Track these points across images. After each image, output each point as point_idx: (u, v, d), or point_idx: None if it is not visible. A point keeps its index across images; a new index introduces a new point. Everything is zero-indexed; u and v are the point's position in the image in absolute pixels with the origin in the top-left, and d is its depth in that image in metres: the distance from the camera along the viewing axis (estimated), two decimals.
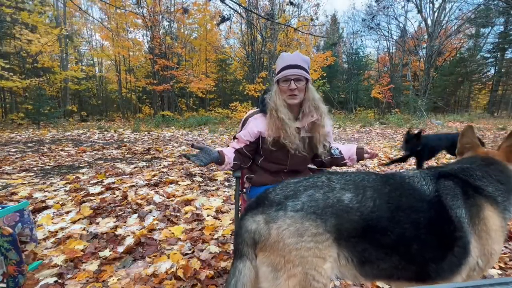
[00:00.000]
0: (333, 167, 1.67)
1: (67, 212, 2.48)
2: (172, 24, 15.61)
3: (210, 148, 1.37)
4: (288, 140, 1.39)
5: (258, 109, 1.55)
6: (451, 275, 0.88)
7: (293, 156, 1.46)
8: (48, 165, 4.49)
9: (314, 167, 1.78)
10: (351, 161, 1.55)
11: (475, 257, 0.88)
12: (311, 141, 1.47)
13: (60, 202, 2.73)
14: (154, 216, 2.44)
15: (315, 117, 1.42)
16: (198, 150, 1.34)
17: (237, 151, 1.49)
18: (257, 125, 1.46)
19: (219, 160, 1.39)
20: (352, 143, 7.31)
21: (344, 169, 4.26)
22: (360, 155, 1.52)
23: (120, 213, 2.50)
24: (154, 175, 3.80)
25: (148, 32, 15.54)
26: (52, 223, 2.27)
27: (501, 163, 1.02)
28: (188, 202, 2.81)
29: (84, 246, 1.90)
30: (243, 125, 1.55)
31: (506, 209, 0.93)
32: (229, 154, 1.44)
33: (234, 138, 1.55)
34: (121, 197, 2.90)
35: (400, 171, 1.06)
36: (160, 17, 14.74)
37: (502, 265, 1.75)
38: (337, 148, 1.55)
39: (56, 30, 12.67)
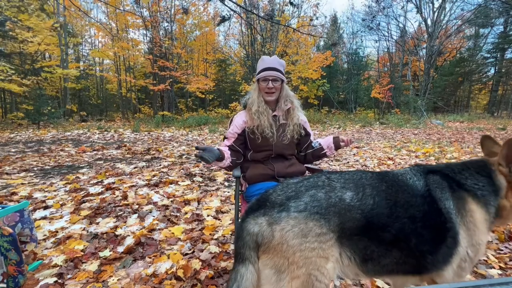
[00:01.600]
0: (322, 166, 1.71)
1: (67, 212, 2.48)
2: (172, 25, 15.60)
3: (211, 147, 1.50)
4: (262, 128, 1.60)
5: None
6: (444, 266, 0.91)
7: (276, 142, 1.64)
8: (48, 165, 4.49)
9: (313, 166, 1.80)
10: (329, 150, 1.70)
11: (464, 247, 0.91)
12: (286, 127, 1.68)
13: (60, 202, 2.74)
14: (154, 216, 2.44)
15: (289, 106, 1.67)
16: (202, 151, 1.43)
17: (229, 148, 1.65)
18: (241, 118, 1.68)
19: (220, 156, 1.52)
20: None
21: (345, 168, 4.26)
22: (337, 143, 1.67)
23: (120, 213, 2.50)
24: (154, 175, 3.80)
25: (147, 33, 15.55)
26: (50, 223, 2.27)
27: (491, 167, 1.03)
28: (188, 202, 2.81)
29: (84, 246, 1.90)
30: (230, 124, 1.76)
31: (488, 203, 0.97)
32: (226, 150, 1.61)
33: (224, 138, 1.74)
34: (121, 197, 2.90)
35: (391, 169, 1.09)
36: (160, 17, 14.73)
37: (502, 265, 1.75)
38: (317, 141, 1.74)
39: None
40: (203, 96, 18.89)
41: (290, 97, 1.68)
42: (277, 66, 1.61)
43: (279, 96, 1.66)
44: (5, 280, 1.42)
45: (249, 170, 1.64)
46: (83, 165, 4.55)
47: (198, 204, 2.78)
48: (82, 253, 1.82)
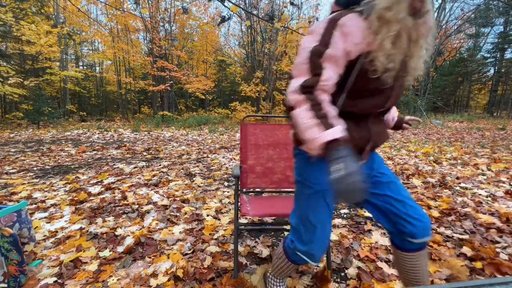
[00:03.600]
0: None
1: (68, 212, 2.49)
2: (172, 25, 15.60)
3: (347, 151, 0.77)
4: (389, 61, 0.81)
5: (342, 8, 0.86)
6: None
7: (398, 84, 0.91)
8: (48, 165, 4.49)
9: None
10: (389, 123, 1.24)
11: None
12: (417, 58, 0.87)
13: (60, 202, 2.74)
14: (153, 216, 2.44)
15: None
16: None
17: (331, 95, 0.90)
18: (359, 28, 0.79)
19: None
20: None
21: None
22: (400, 122, 1.26)
23: (120, 213, 2.50)
24: (154, 175, 3.80)
25: (147, 34, 15.56)
26: (49, 223, 2.27)
27: None
28: (187, 202, 2.81)
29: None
30: (326, 33, 0.81)
31: None
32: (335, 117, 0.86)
33: (319, 57, 0.83)
34: (121, 197, 2.90)
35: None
36: (159, 18, 14.74)
37: None
38: None
39: (56, 29, 12.66)
40: (203, 96, 18.91)
41: None
42: None
43: None
44: (6, 280, 1.43)
45: None
46: (83, 165, 4.55)
47: (198, 203, 2.78)
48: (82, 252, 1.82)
